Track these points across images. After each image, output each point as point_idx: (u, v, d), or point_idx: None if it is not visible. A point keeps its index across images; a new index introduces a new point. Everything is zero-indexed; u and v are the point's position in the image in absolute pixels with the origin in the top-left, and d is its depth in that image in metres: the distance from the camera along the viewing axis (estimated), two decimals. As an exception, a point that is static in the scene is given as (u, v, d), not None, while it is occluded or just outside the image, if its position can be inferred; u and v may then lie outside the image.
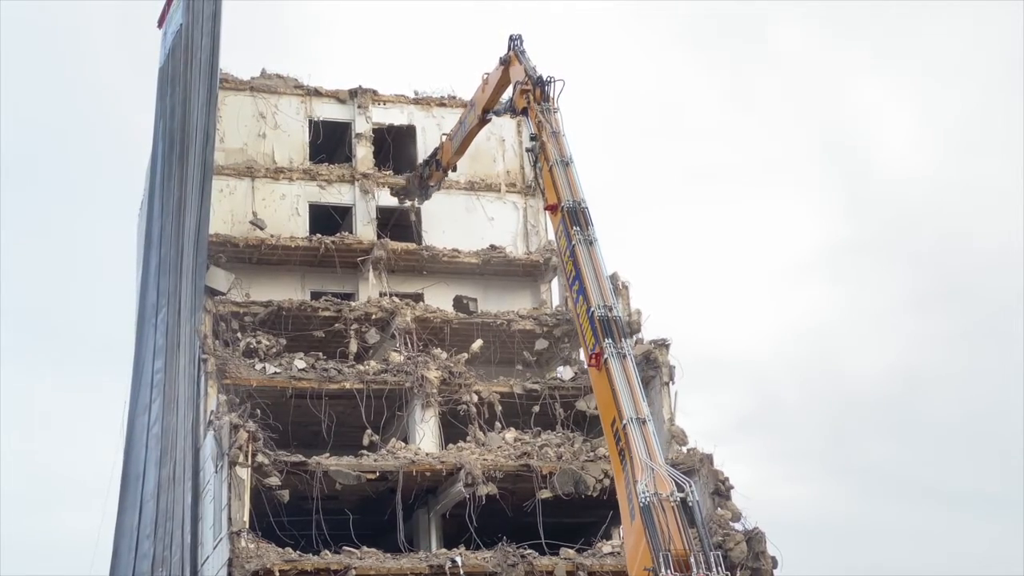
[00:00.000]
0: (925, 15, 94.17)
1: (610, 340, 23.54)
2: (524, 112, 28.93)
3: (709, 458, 33.64)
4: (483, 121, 32.73)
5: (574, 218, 25.71)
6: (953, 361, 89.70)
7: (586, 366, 25.56)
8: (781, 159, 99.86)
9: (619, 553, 32.26)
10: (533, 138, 27.95)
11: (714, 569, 20.09)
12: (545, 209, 27.05)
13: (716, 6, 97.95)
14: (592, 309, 24.09)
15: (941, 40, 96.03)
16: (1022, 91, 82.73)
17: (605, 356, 23.31)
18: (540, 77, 28.61)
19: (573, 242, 25.27)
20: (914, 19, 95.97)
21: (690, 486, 21.13)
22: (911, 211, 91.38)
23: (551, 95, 28.24)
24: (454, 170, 38.08)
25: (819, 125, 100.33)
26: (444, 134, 36.78)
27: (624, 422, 22.22)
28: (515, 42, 30.24)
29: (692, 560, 20.01)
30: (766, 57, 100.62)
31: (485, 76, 31.82)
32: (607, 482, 32.81)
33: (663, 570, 19.79)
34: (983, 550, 73.38)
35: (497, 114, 32.13)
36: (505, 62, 30.46)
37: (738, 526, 32.73)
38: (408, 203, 39.56)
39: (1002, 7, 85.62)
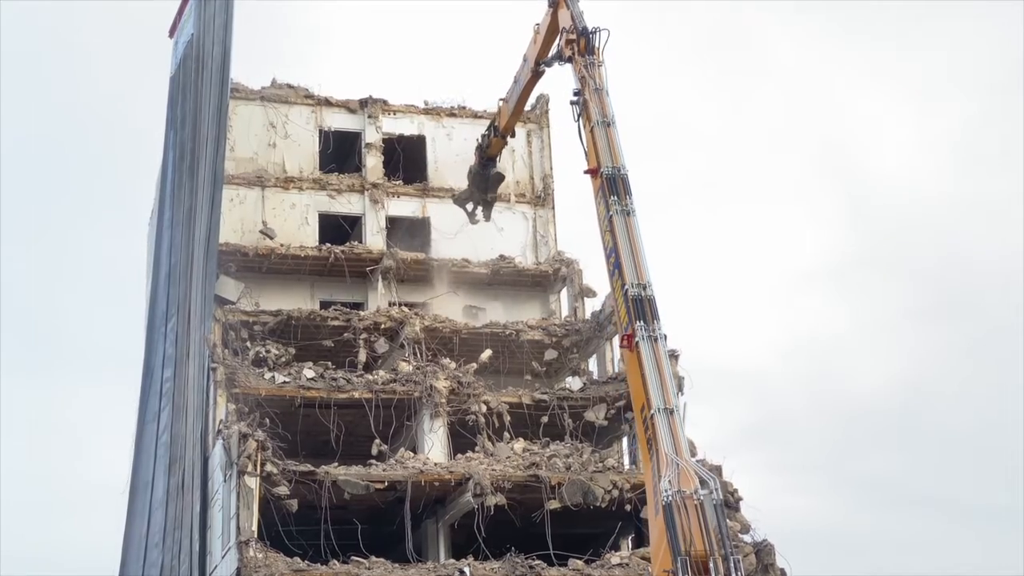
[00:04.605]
0: (924, 27, 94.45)
1: (642, 322, 22.67)
2: (570, 60, 27.29)
3: (718, 469, 33.58)
4: (536, 74, 30.71)
5: (612, 186, 24.52)
6: (956, 373, 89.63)
7: (619, 346, 24.41)
8: (782, 171, 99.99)
9: (627, 564, 32.24)
10: (576, 93, 26.54)
11: (733, 574, 19.77)
12: (585, 172, 25.69)
13: (715, 17, 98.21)
14: (626, 287, 23.16)
15: (941, 52, 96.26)
16: (1023, 103, 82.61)
17: (637, 339, 22.50)
18: (585, 27, 27.12)
19: (611, 212, 24.12)
20: (913, 31, 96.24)
21: (715, 482, 20.53)
22: (913, 223, 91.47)
23: (596, 47, 26.84)
24: (513, 136, 36.74)
25: (819, 137, 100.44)
26: (500, 99, 35.50)
27: (652, 412, 21.59)
28: None
29: (711, 564, 19.60)
30: (763, 68, 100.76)
31: (536, 27, 30.07)
32: (616, 493, 32.83)
33: (682, 575, 19.54)
34: (986, 561, 73.29)
35: (548, 65, 29.95)
36: (554, 4, 28.80)
37: (747, 538, 32.70)
38: (475, 217, 37.32)
39: (1000, 20, 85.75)
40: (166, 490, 36.78)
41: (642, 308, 22.89)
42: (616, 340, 37.59)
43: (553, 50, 29.34)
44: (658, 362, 22.23)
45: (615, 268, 23.84)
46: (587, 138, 25.97)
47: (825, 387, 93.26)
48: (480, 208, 36.59)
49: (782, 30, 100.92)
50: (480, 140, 35.64)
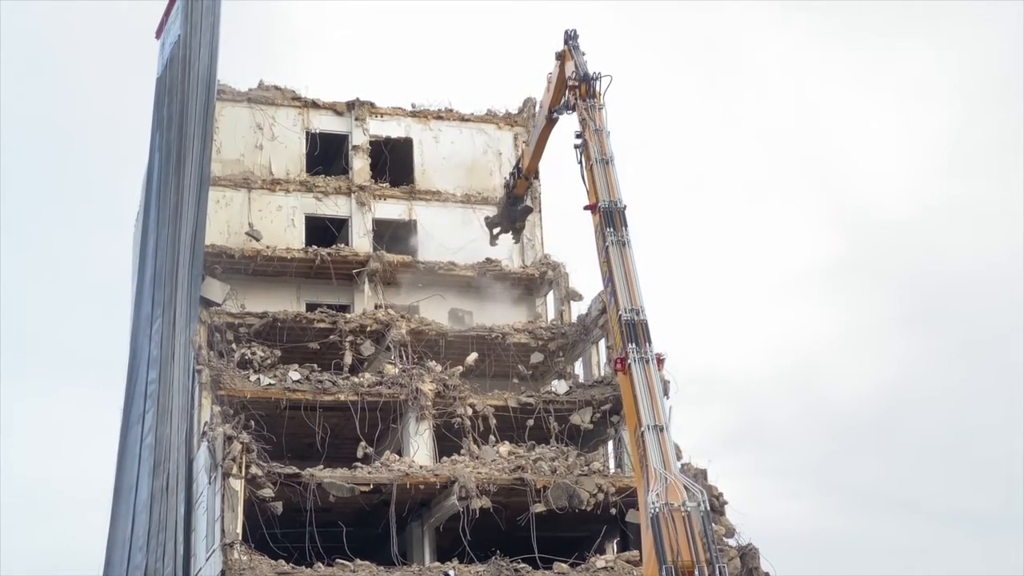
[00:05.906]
0: (916, 31, 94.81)
1: (634, 345, 23.79)
2: (575, 108, 28.72)
3: (703, 473, 33.66)
4: (551, 121, 32.01)
5: (609, 218, 25.90)
6: (943, 380, 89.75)
7: (614, 369, 25.81)
8: (770, 176, 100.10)
9: (613, 568, 32.27)
10: (579, 135, 27.87)
11: None
12: (585, 208, 27.03)
13: (704, 19, 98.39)
14: (620, 312, 24.38)
15: (932, 56, 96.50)
16: (1012, 109, 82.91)
17: (628, 361, 23.62)
18: (586, 73, 28.52)
19: (607, 243, 25.46)
20: (906, 34, 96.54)
21: (702, 495, 21.38)
22: (902, 228, 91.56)
23: (597, 91, 28.18)
24: (536, 177, 37.58)
25: (808, 141, 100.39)
26: (524, 141, 36.13)
27: (642, 429, 22.55)
28: (570, 38, 29.94)
29: (696, 573, 20.43)
30: (752, 70, 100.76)
31: (549, 75, 31.39)
32: (601, 496, 32.88)
33: None
34: (974, 568, 73.47)
35: (559, 113, 31.54)
36: (560, 57, 30.21)
37: (732, 542, 32.77)
38: (496, 241, 37.98)
39: (988, 26, 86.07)
40: (150, 492, 36.69)
41: (635, 332, 24.12)
42: (603, 343, 37.95)
43: (563, 100, 30.71)
44: (649, 382, 23.32)
45: (611, 296, 25.12)
46: (587, 176, 27.16)
47: (813, 392, 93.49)
48: (509, 234, 37.65)
49: (773, 32, 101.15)
50: (507, 179, 36.67)
